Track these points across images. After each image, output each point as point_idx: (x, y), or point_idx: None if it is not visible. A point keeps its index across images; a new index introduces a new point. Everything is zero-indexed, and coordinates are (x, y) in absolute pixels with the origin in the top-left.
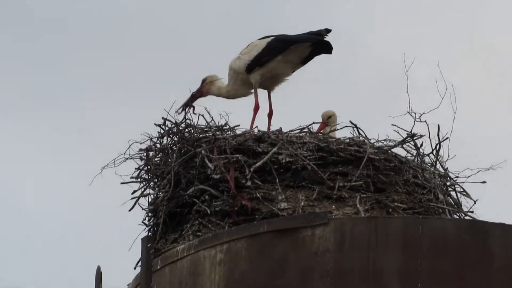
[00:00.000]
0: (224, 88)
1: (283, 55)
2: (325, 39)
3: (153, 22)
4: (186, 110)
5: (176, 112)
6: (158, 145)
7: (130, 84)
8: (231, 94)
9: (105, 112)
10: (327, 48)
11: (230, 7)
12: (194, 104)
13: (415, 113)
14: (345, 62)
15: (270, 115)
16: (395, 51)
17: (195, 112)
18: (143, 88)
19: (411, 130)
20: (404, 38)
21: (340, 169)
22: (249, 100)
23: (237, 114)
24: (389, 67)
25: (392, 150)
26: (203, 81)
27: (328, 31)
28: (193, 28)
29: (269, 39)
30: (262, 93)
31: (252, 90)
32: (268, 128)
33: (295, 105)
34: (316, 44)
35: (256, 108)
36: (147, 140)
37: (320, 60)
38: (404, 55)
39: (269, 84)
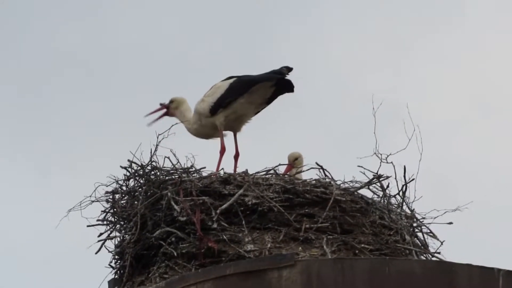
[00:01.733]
0: (188, 119)
1: (246, 95)
2: (286, 77)
3: (118, 64)
4: (155, 119)
5: (148, 124)
6: (124, 188)
7: (96, 126)
8: (193, 130)
9: (70, 154)
10: (289, 87)
11: (202, 50)
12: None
13: (381, 154)
14: (311, 103)
15: (236, 157)
16: (364, 92)
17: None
18: (108, 130)
19: (377, 171)
20: (372, 79)
21: (307, 210)
22: (215, 142)
23: (203, 156)
24: (357, 108)
25: (359, 191)
26: (171, 101)
27: (289, 69)
28: (158, 71)
29: (231, 80)
30: (228, 134)
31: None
32: (235, 170)
33: (261, 147)
34: (278, 83)
35: (222, 150)
36: (113, 182)
37: (287, 101)
38: (372, 96)
39: (234, 125)
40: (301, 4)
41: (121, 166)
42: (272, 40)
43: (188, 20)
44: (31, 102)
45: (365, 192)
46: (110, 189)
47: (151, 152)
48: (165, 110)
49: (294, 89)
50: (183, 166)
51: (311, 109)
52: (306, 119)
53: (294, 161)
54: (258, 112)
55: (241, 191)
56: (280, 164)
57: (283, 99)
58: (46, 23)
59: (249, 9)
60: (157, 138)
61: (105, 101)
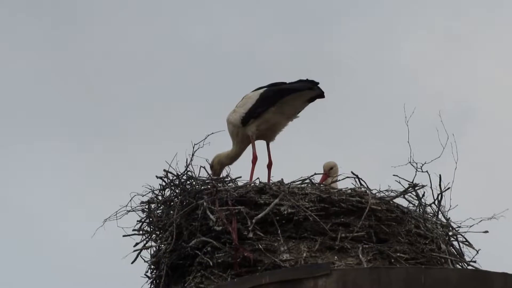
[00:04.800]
0: (231, 154)
1: (277, 105)
2: (317, 86)
3: (149, 75)
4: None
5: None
6: (160, 198)
7: (131, 136)
8: (240, 152)
9: (106, 164)
10: (320, 94)
11: (230, 58)
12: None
13: (416, 163)
14: (345, 113)
15: (269, 166)
16: (396, 101)
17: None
18: (144, 139)
19: (413, 180)
20: (404, 87)
21: (342, 220)
22: (248, 151)
23: (238, 166)
24: (390, 117)
25: (394, 200)
26: (211, 166)
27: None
28: (192, 80)
29: (261, 91)
30: (260, 144)
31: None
32: (268, 179)
33: (296, 156)
34: (309, 92)
35: (254, 159)
36: (149, 192)
37: (322, 111)
38: (404, 105)
39: (267, 134)
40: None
41: (156, 176)
42: (333, 39)
43: (254, 19)
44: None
45: (400, 201)
46: (145, 199)
47: (186, 162)
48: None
49: (325, 94)
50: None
51: (346, 118)
52: (341, 128)
53: (330, 171)
54: (291, 120)
55: (276, 201)
56: (315, 174)
57: (318, 109)
58: (110, 24)
59: (314, 9)
60: (193, 148)
61: (139, 110)
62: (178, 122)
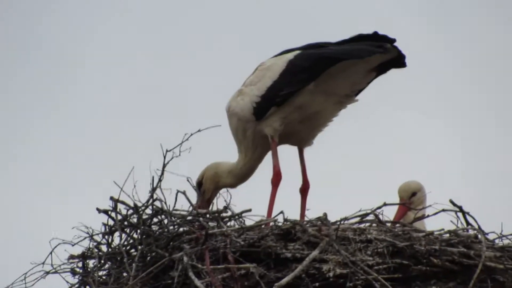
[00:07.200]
0: (236, 168)
1: (319, 81)
2: (391, 47)
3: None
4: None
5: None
6: (104, 248)
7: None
8: (251, 166)
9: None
10: (398, 61)
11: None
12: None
13: None
14: (434, 90)
15: (304, 190)
16: None
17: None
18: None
19: None
20: None
21: (435, 287)
22: (265, 164)
23: (245, 191)
24: None
25: None
26: (199, 184)
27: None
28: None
29: (290, 55)
30: (287, 151)
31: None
32: (302, 214)
33: (351, 171)
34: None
35: (276, 178)
36: (85, 238)
37: (392, 93)
38: None
39: (299, 134)
40: None
41: (98, 209)
42: None
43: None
44: None
45: None
46: (79, 250)
47: (152, 184)
48: (203, 204)
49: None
50: (210, 207)
51: (435, 103)
52: (428, 124)
53: (411, 198)
54: (342, 108)
55: (315, 253)
56: (385, 204)
57: (389, 87)
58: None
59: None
60: (164, 157)
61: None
62: (131, 136)
